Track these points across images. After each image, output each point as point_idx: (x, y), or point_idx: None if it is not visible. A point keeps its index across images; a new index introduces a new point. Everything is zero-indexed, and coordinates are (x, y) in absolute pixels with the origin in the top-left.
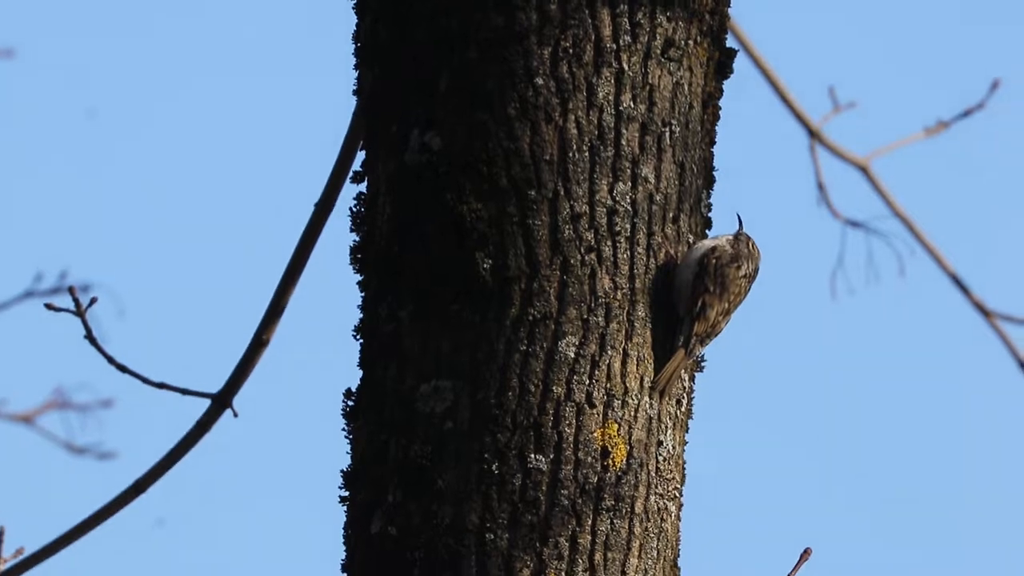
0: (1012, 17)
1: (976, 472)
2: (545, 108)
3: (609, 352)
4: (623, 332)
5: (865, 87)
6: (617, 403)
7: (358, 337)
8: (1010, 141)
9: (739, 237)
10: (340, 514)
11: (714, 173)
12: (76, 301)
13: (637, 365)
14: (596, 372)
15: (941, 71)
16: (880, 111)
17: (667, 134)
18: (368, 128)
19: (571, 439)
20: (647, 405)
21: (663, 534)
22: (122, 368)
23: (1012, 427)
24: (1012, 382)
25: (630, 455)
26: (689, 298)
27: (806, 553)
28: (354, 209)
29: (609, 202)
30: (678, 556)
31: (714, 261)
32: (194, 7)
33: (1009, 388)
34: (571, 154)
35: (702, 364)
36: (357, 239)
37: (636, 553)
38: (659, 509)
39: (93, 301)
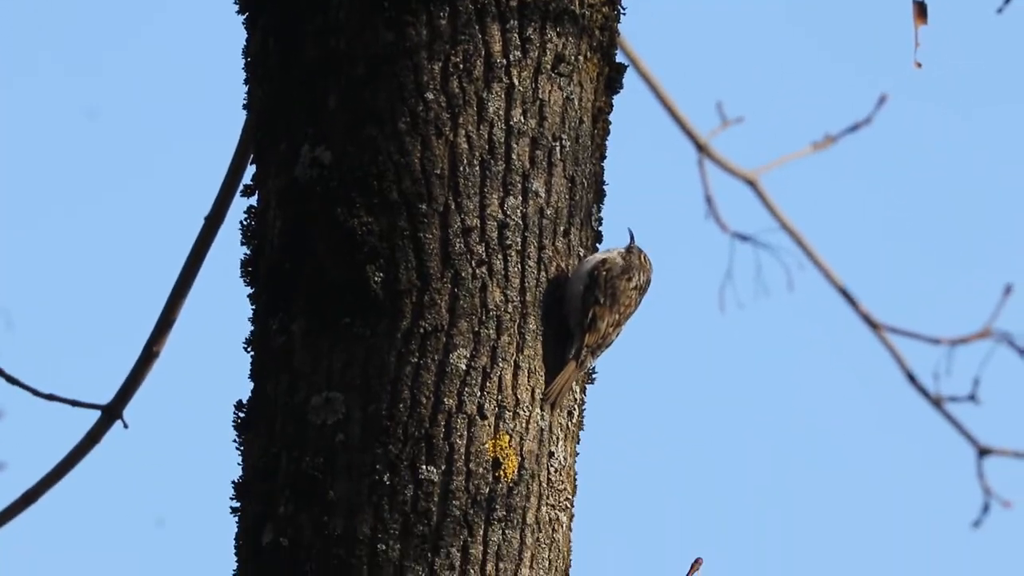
0: (898, 32)
1: (864, 482)
2: (436, 123)
3: (500, 364)
4: (514, 344)
5: (753, 102)
6: (508, 415)
7: (249, 349)
8: (897, 155)
9: (631, 250)
10: (231, 525)
11: (604, 187)
12: None
13: (528, 377)
14: (487, 384)
15: (828, 86)
16: (768, 126)
17: (558, 148)
18: (258, 143)
19: (463, 450)
20: (538, 417)
21: (555, 544)
22: (11, 380)
23: (900, 438)
24: (900, 394)
25: (521, 466)
26: (580, 310)
27: (697, 563)
28: (244, 223)
29: (500, 216)
30: (569, 567)
31: (604, 273)
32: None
33: (897, 400)
34: (462, 168)
35: (593, 376)
36: (248, 252)
37: (528, 563)
38: (551, 520)
39: None
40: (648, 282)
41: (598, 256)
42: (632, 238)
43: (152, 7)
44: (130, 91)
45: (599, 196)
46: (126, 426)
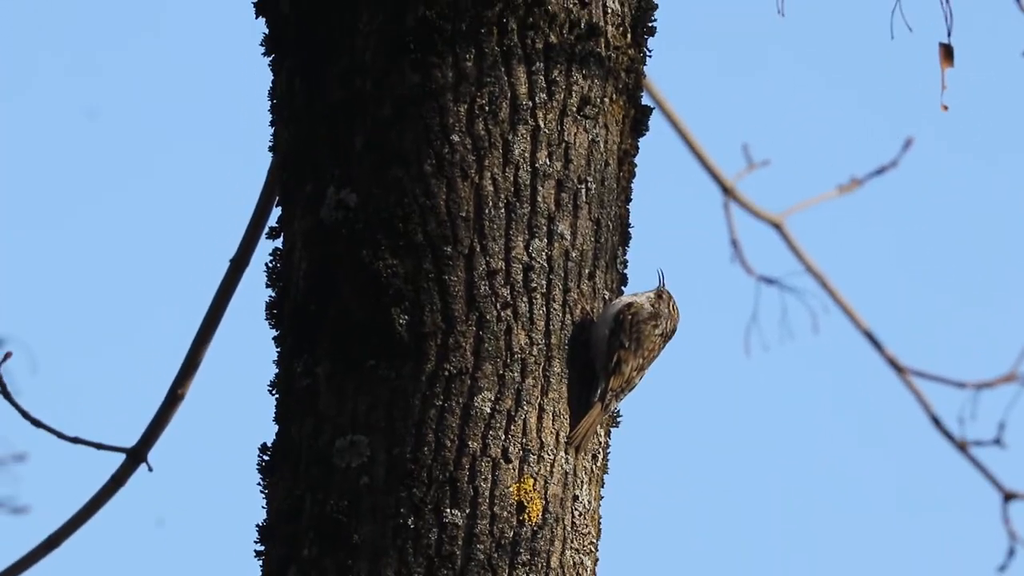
0: (924, 75)
1: (890, 527)
2: (461, 165)
3: (525, 407)
4: (539, 387)
5: (779, 145)
6: (533, 458)
7: (274, 392)
8: (923, 199)
9: (660, 296)
10: (256, 569)
11: (630, 230)
12: None
13: (553, 420)
14: (512, 427)
15: (854, 129)
16: (794, 169)
17: (583, 191)
18: (284, 185)
19: (487, 494)
20: (563, 460)
21: None
22: (36, 422)
23: (925, 482)
24: (925, 438)
25: (546, 510)
26: (605, 354)
27: None
28: (270, 265)
29: (525, 258)
30: None
31: (630, 317)
32: (97, 63)
33: (922, 444)
34: (487, 211)
35: (618, 419)
36: (273, 295)
37: None
38: (575, 564)
39: (7, 356)
40: (673, 331)
41: (624, 300)
42: (662, 280)
43: (153, 7)
44: (130, 91)
45: (624, 239)
46: (151, 469)
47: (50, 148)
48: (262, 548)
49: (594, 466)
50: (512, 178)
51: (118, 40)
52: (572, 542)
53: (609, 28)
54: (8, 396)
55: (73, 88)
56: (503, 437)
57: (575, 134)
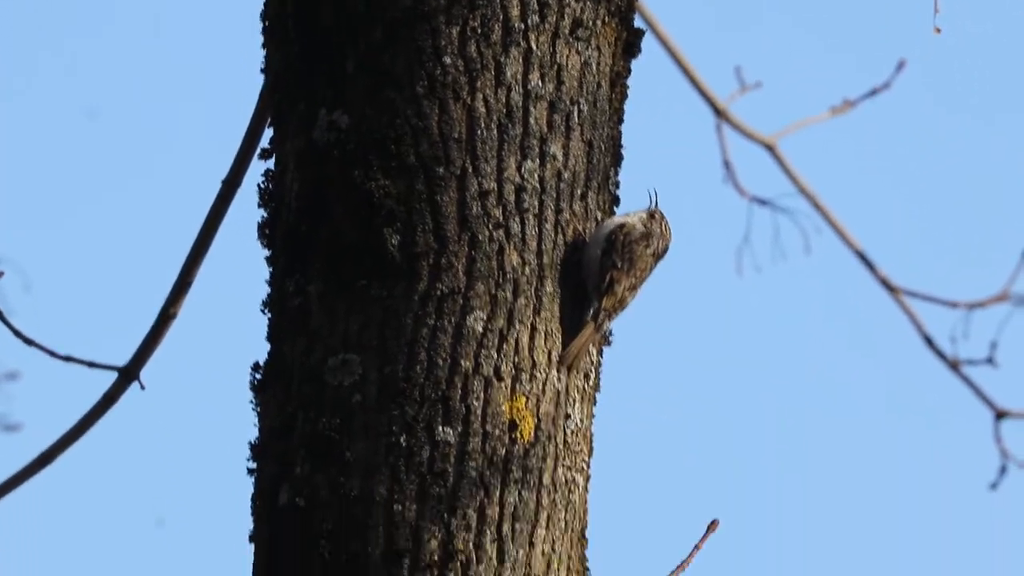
0: None
1: (881, 445)
2: (453, 87)
3: (517, 327)
4: (531, 307)
5: (771, 67)
6: (525, 377)
7: (266, 311)
8: (915, 120)
9: (653, 215)
10: (248, 486)
11: (622, 151)
12: None
13: (545, 339)
14: (504, 346)
15: (847, 51)
16: (786, 91)
17: (575, 113)
18: (276, 106)
19: (479, 412)
20: (555, 379)
21: (571, 506)
22: (28, 341)
23: (917, 401)
24: (917, 358)
25: (538, 428)
26: (597, 274)
27: (713, 525)
28: (262, 185)
29: (517, 179)
30: (586, 527)
31: (622, 238)
32: None
33: (914, 363)
34: (479, 132)
35: (610, 338)
36: (265, 215)
37: (544, 524)
38: (567, 481)
39: (0, 275)
40: (665, 250)
41: (616, 220)
42: (654, 201)
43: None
44: (152, 54)
45: (616, 160)
46: (143, 387)
47: (50, 148)
48: (254, 466)
49: (586, 385)
50: (504, 100)
51: (118, 40)
52: (564, 460)
53: None
54: (1, 315)
55: (73, 88)
56: (495, 356)
57: (567, 56)
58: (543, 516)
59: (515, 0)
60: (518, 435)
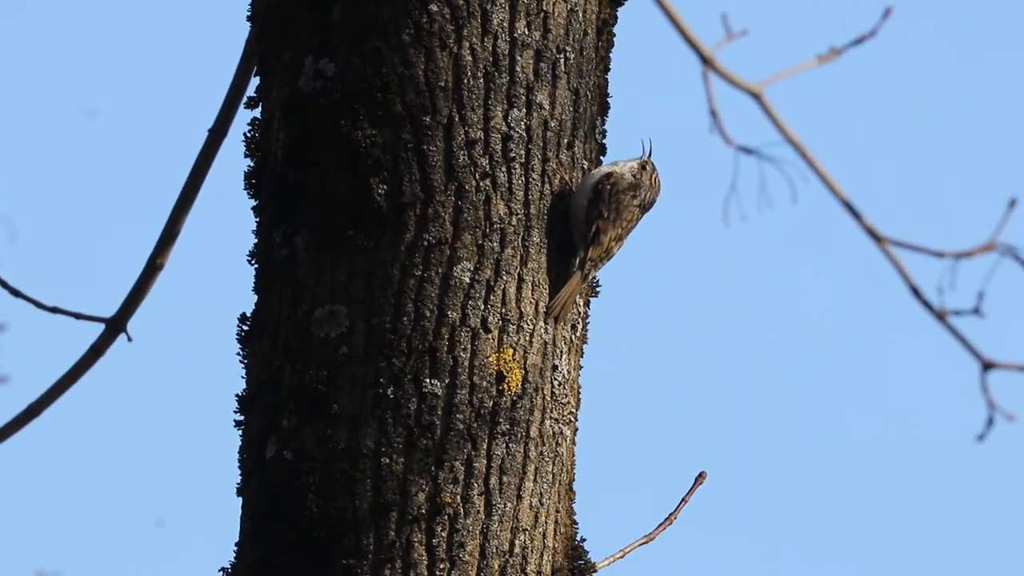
0: None
1: (867, 395)
2: (440, 35)
3: (504, 277)
4: (518, 257)
5: (758, 15)
6: (512, 328)
7: (252, 262)
8: (902, 68)
9: (645, 166)
10: (235, 438)
11: (608, 100)
12: None
13: (532, 290)
14: (491, 297)
15: None
16: (773, 39)
17: (562, 61)
18: (262, 55)
19: (466, 364)
20: (542, 330)
21: (558, 458)
22: (15, 292)
23: (903, 352)
24: (903, 307)
25: (525, 379)
26: (583, 223)
27: (701, 477)
28: (248, 135)
29: (504, 128)
30: (573, 480)
31: (609, 187)
32: None
33: (900, 313)
34: (466, 80)
35: (597, 289)
36: (251, 165)
37: (531, 477)
38: (554, 433)
39: None
40: (653, 202)
41: (603, 169)
42: (648, 151)
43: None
44: (138, 3)
45: (603, 109)
46: (130, 339)
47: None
48: (242, 418)
49: (573, 336)
50: (491, 48)
51: (118, 40)
52: (551, 412)
53: None
54: None
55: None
56: (482, 307)
57: (553, 4)
58: (531, 469)
59: None
60: (505, 387)
